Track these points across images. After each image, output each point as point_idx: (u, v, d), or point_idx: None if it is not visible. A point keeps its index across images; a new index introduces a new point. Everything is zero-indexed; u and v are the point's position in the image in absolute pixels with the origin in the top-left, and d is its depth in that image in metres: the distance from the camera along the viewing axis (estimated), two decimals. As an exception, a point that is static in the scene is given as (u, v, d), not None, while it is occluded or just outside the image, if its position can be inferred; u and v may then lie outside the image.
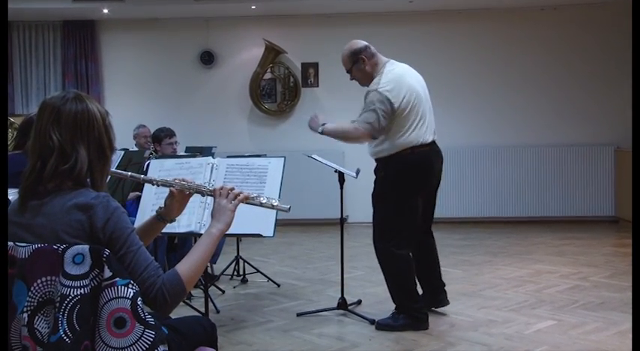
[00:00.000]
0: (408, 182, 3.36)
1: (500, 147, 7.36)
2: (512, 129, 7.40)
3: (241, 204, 1.79)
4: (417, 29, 7.33)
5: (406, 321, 3.39)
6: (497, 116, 7.44)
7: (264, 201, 1.82)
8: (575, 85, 7.38)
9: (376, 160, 3.51)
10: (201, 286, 3.70)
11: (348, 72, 3.53)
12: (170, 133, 4.87)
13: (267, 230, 2.58)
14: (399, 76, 3.36)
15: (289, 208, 1.85)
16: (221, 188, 1.81)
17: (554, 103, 7.41)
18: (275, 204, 1.83)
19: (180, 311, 3.66)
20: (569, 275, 4.59)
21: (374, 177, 3.53)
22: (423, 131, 3.37)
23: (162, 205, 1.92)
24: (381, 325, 3.42)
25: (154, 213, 1.92)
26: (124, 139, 6.17)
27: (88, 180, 1.63)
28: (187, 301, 3.93)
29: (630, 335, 3.18)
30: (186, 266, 1.64)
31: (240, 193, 1.80)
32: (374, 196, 3.51)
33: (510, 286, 4.31)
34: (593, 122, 7.37)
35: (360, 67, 3.44)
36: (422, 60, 7.41)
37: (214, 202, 1.80)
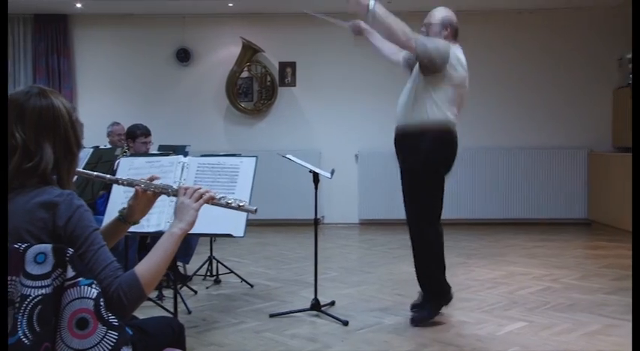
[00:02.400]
0: (443, 158, 3.48)
1: (474, 149, 7.41)
2: (486, 131, 7.47)
3: (207, 204, 1.75)
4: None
5: (435, 302, 3.49)
6: (471, 118, 7.46)
7: (230, 202, 1.76)
8: (550, 88, 7.48)
9: (410, 131, 3.46)
10: (172, 286, 3.64)
11: (426, 25, 3.57)
12: (146, 132, 4.79)
13: (238, 230, 2.54)
14: (463, 60, 3.51)
15: (256, 210, 1.79)
16: (186, 187, 1.75)
17: (528, 106, 7.49)
18: (241, 205, 1.77)
19: (150, 311, 3.61)
20: (541, 277, 4.64)
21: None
22: (456, 114, 3.52)
23: (125, 206, 1.86)
24: (418, 320, 3.44)
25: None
26: (97, 137, 6.09)
27: (55, 177, 1.59)
28: (159, 301, 3.88)
29: (599, 336, 3.25)
30: (146, 267, 1.58)
31: (206, 192, 1.74)
32: (409, 171, 3.51)
33: (484, 287, 4.34)
34: (567, 125, 7.47)
35: (440, 32, 3.51)
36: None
37: (177, 200, 1.74)
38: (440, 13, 3.57)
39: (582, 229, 7.09)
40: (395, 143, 3.60)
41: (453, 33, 3.54)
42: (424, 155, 3.43)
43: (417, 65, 3.47)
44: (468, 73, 3.53)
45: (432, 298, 3.52)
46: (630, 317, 3.53)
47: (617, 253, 5.57)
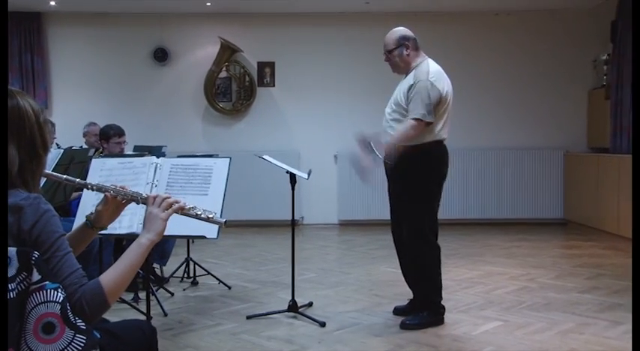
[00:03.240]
0: (437, 173, 3.49)
1: (450, 150, 7.40)
2: (463, 132, 7.46)
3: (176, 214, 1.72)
4: (373, 30, 7.34)
5: (431, 317, 3.46)
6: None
7: (199, 212, 1.75)
8: (527, 89, 7.56)
9: (401, 152, 3.43)
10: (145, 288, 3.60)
11: (387, 52, 3.51)
12: (119, 132, 4.73)
13: (211, 232, 2.52)
14: (441, 71, 3.47)
15: (225, 222, 1.79)
16: (155, 196, 1.73)
17: (506, 107, 7.57)
18: (211, 216, 1.75)
19: (125, 314, 3.57)
20: (517, 277, 4.68)
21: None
22: (448, 128, 3.52)
23: (93, 212, 1.83)
24: (409, 325, 3.42)
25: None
26: (72, 137, 6.00)
27: (20, 180, 1.55)
28: (134, 303, 3.83)
29: (572, 335, 3.29)
30: (111, 277, 1.55)
31: (175, 202, 1.72)
32: (403, 190, 3.49)
33: (461, 287, 4.37)
34: (544, 126, 7.56)
35: (403, 52, 3.47)
36: (376, 61, 7.46)
37: (146, 210, 1.72)
38: (393, 35, 3.51)
39: (558, 229, 7.18)
40: (384, 165, 3.60)
41: (413, 46, 3.49)
42: (418, 175, 3.44)
43: (401, 95, 3.44)
44: (449, 84, 3.49)
45: (428, 309, 3.50)
46: (602, 316, 3.60)
47: (590, 253, 5.65)
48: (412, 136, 3.35)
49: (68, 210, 4.14)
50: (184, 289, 4.39)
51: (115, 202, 1.81)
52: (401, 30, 3.52)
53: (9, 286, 1.43)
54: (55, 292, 1.45)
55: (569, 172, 7.40)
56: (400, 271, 3.75)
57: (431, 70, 3.41)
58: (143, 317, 3.31)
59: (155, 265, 4.51)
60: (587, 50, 7.39)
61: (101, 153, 4.80)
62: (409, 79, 3.45)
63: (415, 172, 3.44)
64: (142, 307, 3.70)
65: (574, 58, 7.47)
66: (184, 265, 4.66)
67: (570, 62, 7.47)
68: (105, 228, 1.84)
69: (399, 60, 3.50)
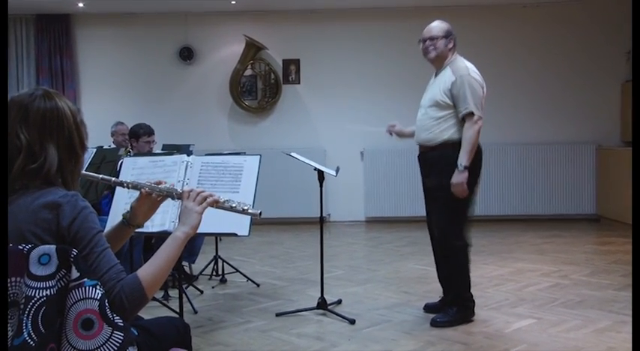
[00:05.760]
0: (473, 170, 3.44)
1: (481, 145, 7.35)
2: (493, 127, 7.34)
3: (210, 207, 1.73)
4: (398, 26, 7.32)
5: (460, 313, 3.45)
6: (478, 115, 7.44)
7: (234, 205, 1.75)
8: (557, 83, 7.42)
9: (438, 148, 3.46)
10: (178, 286, 3.63)
11: (434, 38, 3.52)
12: (149, 131, 4.77)
13: (243, 229, 2.52)
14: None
15: (260, 213, 1.79)
16: (190, 191, 1.74)
17: (536, 102, 7.44)
18: (245, 208, 1.76)
19: (157, 311, 3.60)
20: (549, 273, 4.60)
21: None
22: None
23: (128, 209, 1.85)
24: (439, 323, 3.40)
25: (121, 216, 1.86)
26: (100, 137, 6.07)
27: (60, 179, 1.58)
28: (165, 301, 3.87)
29: (608, 333, 3.22)
30: (149, 271, 1.57)
31: (210, 196, 1.74)
32: (440, 187, 3.46)
33: (491, 284, 4.31)
34: (575, 121, 7.41)
35: (447, 44, 3.52)
36: (402, 57, 7.42)
37: (181, 204, 1.73)
38: (442, 25, 3.55)
39: (591, 225, 7.03)
40: (420, 160, 3.63)
41: (454, 43, 3.55)
42: (454, 172, 3.41)
43: (441, 92, 3.44)
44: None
45: (456, 306, 3.49)
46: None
47: (626, 249, 5.52)
48: (477, 131, 3.38)
49: (99, 209, 4.19)
50: (213, 287, 4.42)
51: (150, 199, 1.83)
52: (448, 24, 3.58)
53: (49, 282, 1.45)
54: (94, 289, 1.47)
55: (602, 166, 7.25)
56: (430, 268, 3.72)
57: (468, 66, 3.45)
58: (174, 315, 3.34)
59: (184, 262, 4.55)
60: (620, 41, 7.21)
61: (129, 152, 4.85)
62: (447, 75, 3.45)
63: (452, 169, 3.39)
64: (172, 304, 3.74)
65: (606, 50, 7.30)
66: (213, 262, 4.69)
67: (603, 54, 7.31)
68: (141, 225, 1.86)
69: (441, 50, 3.51)
